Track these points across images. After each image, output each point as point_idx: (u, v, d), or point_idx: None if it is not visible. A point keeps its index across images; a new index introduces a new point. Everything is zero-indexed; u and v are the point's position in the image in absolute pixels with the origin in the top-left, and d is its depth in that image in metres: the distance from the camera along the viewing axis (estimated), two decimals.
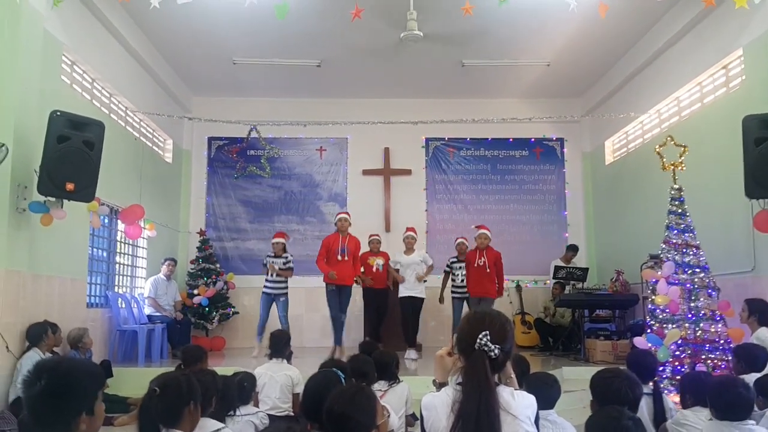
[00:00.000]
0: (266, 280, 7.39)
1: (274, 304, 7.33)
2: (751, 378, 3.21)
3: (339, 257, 6.95)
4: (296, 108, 9.21)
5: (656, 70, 7.42)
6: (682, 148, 5.39)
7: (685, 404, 3.06)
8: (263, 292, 7.40)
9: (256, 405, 3.47)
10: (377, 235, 7.90)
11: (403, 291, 7.40)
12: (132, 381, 5.42)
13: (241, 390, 3.22)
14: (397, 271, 7.58)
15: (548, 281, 8.76)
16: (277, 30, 7.03)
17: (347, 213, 7.39)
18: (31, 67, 4.92)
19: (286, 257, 7.40)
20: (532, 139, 9.61)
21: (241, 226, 9.41)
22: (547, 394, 2.79)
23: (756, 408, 2.82)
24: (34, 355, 4.57)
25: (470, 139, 9.58)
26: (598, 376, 2.48)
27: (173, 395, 1.98)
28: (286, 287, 7.40)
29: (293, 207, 9.48)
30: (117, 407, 4.71)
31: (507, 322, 1.84)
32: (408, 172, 9.50)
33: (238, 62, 8.06)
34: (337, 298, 7.05)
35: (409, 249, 7.54)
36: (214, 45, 7.57)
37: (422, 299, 7.44)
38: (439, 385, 1.93)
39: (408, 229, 7.69)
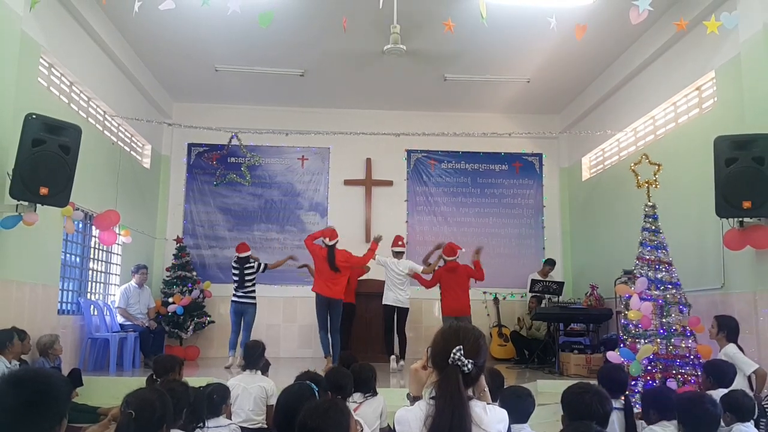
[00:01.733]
0: (236, 291, 7.39)
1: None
2: (718, 393, 3.27)
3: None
4: (278, 116, 9.20)
5: (632, 89, 7.61)
6: (657, 167, 5.51)
7: (648, 420, 3.10)
8: (233, 302, 7.41)
9: (229, 417, 3.42)
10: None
11: (390, 299, 7.25)
12: (103, 390, 5.32)
13: (209, 402, 3.17)
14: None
15: (525, 294, 8.84)
16: (260, 38, 7.03)
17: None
18: (7, 69, 4.84)
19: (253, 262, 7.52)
20: (512, 154, 9.74)
21: (219, 234, 9.32)
22: (521, 407, 2.81)
23: (723, 424, 2.88)
24: None
25: (451, 152, 9.67)
26: (568, 391, 2.50)
27: (147, 419, 1.98)
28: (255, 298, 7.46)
29: (273, 216, 9.43)
30: (87, 417, 4.59)
31: (481, 337, 1.85)
32: (389, 183, 9.54)
33: (221, 69, 8.03)
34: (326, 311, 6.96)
35: (399, 255, 7.43)
36: (196, 51, 7.53)
37: (408, 309, 7.39)
38: (413, 399, 1.94)
39: (398, 237, 7.63)
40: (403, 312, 7.31)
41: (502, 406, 2.81)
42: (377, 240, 7.25)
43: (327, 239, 6.98)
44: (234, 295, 7.46)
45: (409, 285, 7.38)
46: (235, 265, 7.51)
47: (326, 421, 1.79)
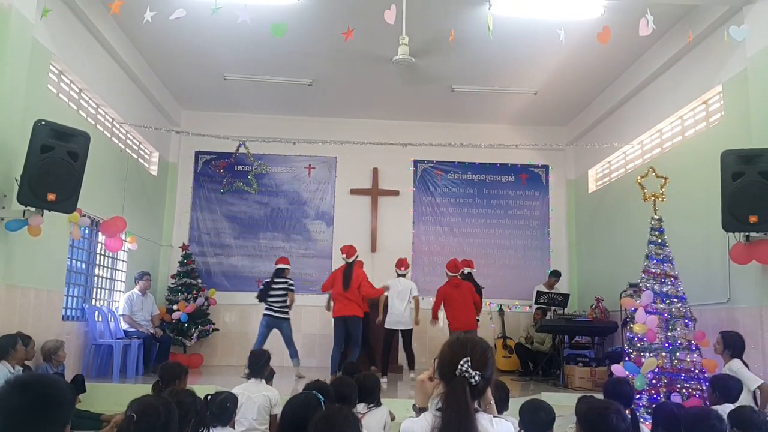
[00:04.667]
0: (270, 304, 7.28)
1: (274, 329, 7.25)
2: (724, 409, 3.24)
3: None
4: (286, 125, 9.25)
5: (639, 102, 7.61)
6: (663, 180, 5.51)
7: None
8: (263, 314, 7.30)
9: (232, 426, 3.41)
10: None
11: (391, 322, 7.16)
12: (106, 397, 5.31)
13: (223, 410, 3.16)
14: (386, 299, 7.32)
15: (530, 306, 8.80)
16: (269, 47, 7.09)
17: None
18: (17, 75, 4.88)
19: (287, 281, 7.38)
20: (518, 165, 9.75)
21: (225, 241, 9.34)
22: (538, 420, 2.81)
23: None
24: (2, 368, 4.44)
25: (458, 162, 9.68)
26: (590, 407, 2.44)
27: (151, 424, 1.96)
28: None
29: (279, 224, 9.46)
30: (90, 424, 4.58)
31: (488, 349, 1.85)
32: (396, 192, 9.56)
33: (229, 78, 8.09)
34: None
35: (401, 275, 7.38)
36: (205, 60, 7.60)
37: (411, 330, 7.33)
38: (419, 410, 1.93)
39: (402, 261, 7.53)
40: (407, 333, 7.24)
41: (521, 418, 2.81)
42: (386, 289, 7.25)
43: (345, 256, 7.02)
44: (267, 309, 7.30)
45: (410, 306, 7.26)
46: (276, 279, 7.35)
47: (341, 429, 1.79)
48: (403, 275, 7.44)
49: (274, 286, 7.29)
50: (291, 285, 7.35)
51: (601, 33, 4.73)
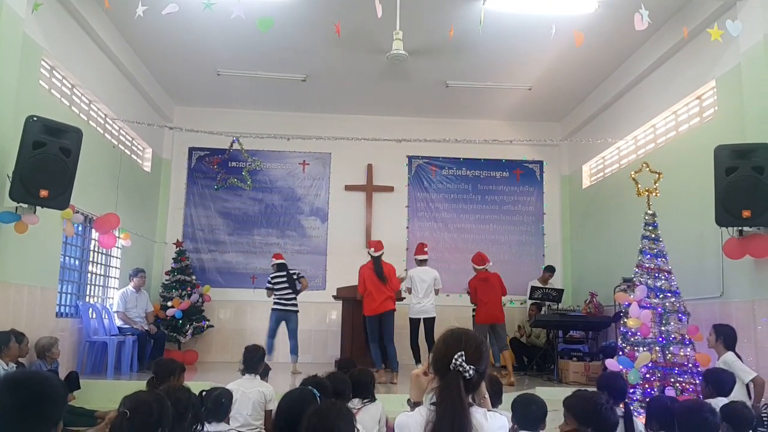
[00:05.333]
0: (277, 298, 7.32)
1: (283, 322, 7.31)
2: (717, 402, 3.27)
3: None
4: (280, 121, 9.22)
5: (633, 97, 7.63)
6: (657, 175, 5.51)
7: (651, 428, 3.10)
8: (274, 309, 7.32)
9: (227, 422, 3.40)
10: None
11: (415, 311, 6.91)
12: (100, 394, 5.29)
13: (219, 406, 3.16)
14: (409, 291, 7.11)
15: (525, 301, 8.83)
16: (263, 43, 7.06)
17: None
18: (9, 71, 4.84)
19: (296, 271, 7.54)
20: (513, 161, 9.76)
21: (219, 238, 9.32)
22: (531, 414, 2.82)
23: None
24: None
25: (452, 158, 9.68)
26: (582, 399, 2.47)
27: (144, 420, 1.94)
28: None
29: (274, 220, 9.43)
30: (84, 420, 4.57)
31: (483, 343, 1.85)
32: (390, 188, 9.55)
33: (223, 73, 8.05)
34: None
35: (422, 263, 7.11)
36: (198, 56, 7.55)
37: (434, 318, 7.02)
38: (414, 405, 1.93)
39: (422, 245, 7.28)
40: (429, 321, 6.94)
41: (513, 412, 2.82)
42: (401, 279, 7.11)
43: (372, 250, 6.85)
44: (276, 303, 7.31)
45: (433, 293, 7.01)
46: (280, 273, 7.35)
47: (336, 423, 1.79)
48: (424, 261, 7.10)
49: (280, 280, 7.33)
50: (300, 273, 7.59)
51: (576, 36, 4.73)
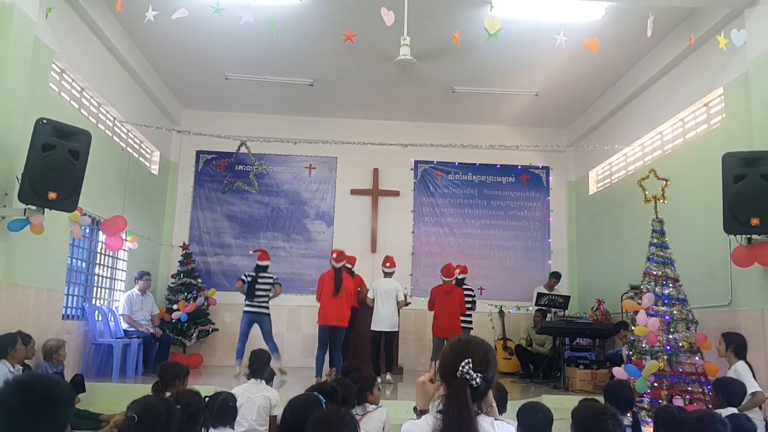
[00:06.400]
0: (248, 300, 7.25)
1: (255, 325, 7.21)
2: (728, 412, 3.24)
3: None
4: (287, 125, 9.25)
5: (640, 104, 7.61)
6: (665, 182, 5.49)
7: None
8: (246, 312, 7.24)
9: (232, 427, 3.39)
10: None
11: (377, 324, 6.96)
12: (105, 397, 5.30)
13: (226, 410, 3.15)
14: (373, 300, 7.14)
15: (530, 308, 8.79)
16: (271, 48, 7.09)
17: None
18: (19, 74, 4.88)
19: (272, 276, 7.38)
20: (519, 167, 9.74)
21: (225, 241, 9.33)
22: (537, 423, 2.80)
23: None
24: (2, 368, 4.43)
25: (458, 163, 9.68)
26: (586, 411, 2.45)
27: (151, 425, 1.94)
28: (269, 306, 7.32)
29: (279, 224, 9.45)
30: (89, 424, 4.58)
31: (490, 351, 1.83)
32: (396, 193, 9.55)
33: (231, 78, 8.09)
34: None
35: (388, 275, 7.19)
36: (206, 60, 7.60)
37: (396, 333, 7.17)
38: (420, 412, 1.92)
39: (388, 258, 7.35)
40: (390, 335, 7.05)
41: (519, 421, 2.80)
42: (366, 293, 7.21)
43: (334, 257, 6.87)
44: (248, 305, 7.24)
45: (395, 306, 7.04)
46: (266, 275, 7.32)
47: (333, 431, 1.78)
48: (390, 274, 7.18)
49: (260, 281, 7.26)
50: (276, 279, 7.46)
51: (590, 43, 4.72)
